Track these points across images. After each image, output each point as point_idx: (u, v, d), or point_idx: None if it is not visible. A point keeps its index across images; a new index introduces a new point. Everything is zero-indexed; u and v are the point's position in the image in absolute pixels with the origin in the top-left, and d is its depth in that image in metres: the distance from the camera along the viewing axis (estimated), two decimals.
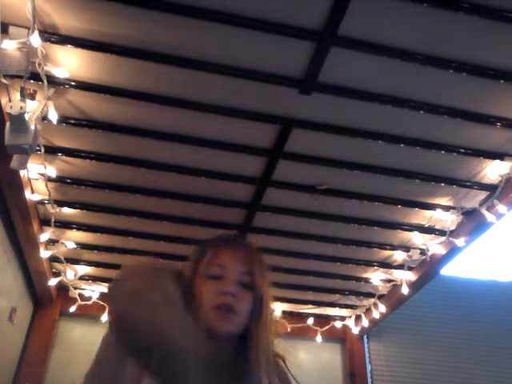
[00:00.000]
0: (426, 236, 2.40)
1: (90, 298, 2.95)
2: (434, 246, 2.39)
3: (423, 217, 2.31)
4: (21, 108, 1.42)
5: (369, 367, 3.32)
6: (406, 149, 1.92)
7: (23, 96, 1.47)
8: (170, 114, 1.79)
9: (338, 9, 1.40)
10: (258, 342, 1.06)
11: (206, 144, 1.91)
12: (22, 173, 1.90)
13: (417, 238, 2.41)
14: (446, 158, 1.96)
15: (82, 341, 3.03)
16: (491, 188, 2.06)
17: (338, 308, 3.16)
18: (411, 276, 2.61)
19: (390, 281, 2.75)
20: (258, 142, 1.92)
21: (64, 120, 1.78)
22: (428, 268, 2.51)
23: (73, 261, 2.68)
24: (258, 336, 1.06)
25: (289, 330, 3.16)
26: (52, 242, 2.45)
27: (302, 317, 3.19)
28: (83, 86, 1.66)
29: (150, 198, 2.19)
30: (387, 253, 2.57)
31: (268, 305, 1.12)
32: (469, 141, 1.90)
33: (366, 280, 2.79)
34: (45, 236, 2.33)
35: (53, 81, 1.61)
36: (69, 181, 2.10)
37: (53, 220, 2.27)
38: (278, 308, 3.11)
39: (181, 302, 0.91)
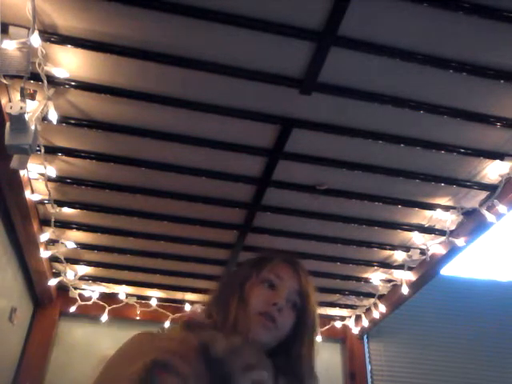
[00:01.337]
0: (426, 236, 2.40)
1: (90, 298, 2.95)
2: (434, 245, 2.39)
3: (423, 217, 2.31)
4: (21, 108, 1.42)
5: (369, 367, 3.32)
6: (406, 149, 1.92)
7: (23, 96, 1.47)
8: (170, 114, 1.79)
9: (338, 9, 1.40)
10: (302, 360, 1.11)
11: (206, 144, 1.91)
12: (22, 173, 1.90)
13: (417, 238, 2.41)
14: (446, 157, 1.96)
15: (82, 341, 3.03)
16: (491, 188, 2.06)
17: (338, 308, 3.16)
18: (411, 276, 2.61)
19: (390, 281, 2.75)
20: (258, 141, 1.92)
21: (64, 120, 1.78)
22: (428, 268, 2.51)
23: (73, 261, 2.68)
24: (301, 354, 1.11)
25: None
26: (52, 242, 2.45)
27: None
28: (83, 85, 1.66)
29: (149, 198, 2.19)
30: (387, 253, 2.57)
31: (311, 330, 1.17)
32: (469, 141, 1.90)
33: (366, 280, 2.79)
34: (45, 236, 2.33)
35: (53, 81, 1.61)
36: (69, 181, 2.10)
37: (53, 220, 2.27)
38: None
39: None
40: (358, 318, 3.19)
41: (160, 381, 0.70)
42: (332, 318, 3.25)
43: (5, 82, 1.51)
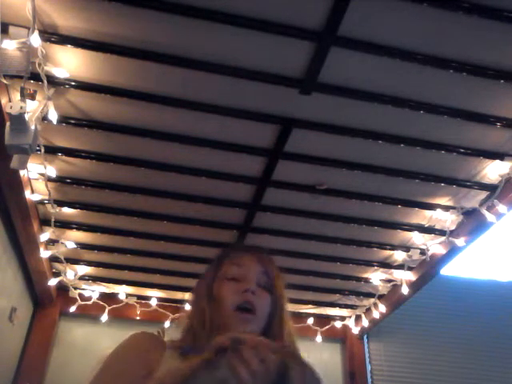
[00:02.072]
0: (426, 236, 2.40)
1: (90, 298, 2.95)
2: (434, 245, 2.39)
3: (423, 217, 2.31)
4: (21, 108, 1.42)
5: (369, 367, 3.32)
6: (406, 149, 1.92)
7: (23, 96, 1.47)
8: (170, 114, 1.79)
9: (338, 9, 1.40)
10: (278, 341, 1.07)
11: (206, 144, 1.91)
12: (22, 173, 1.90)
13: (417, 238, 2.41)
14: (446, 157, 1.96)
15: (82, 341, 3.03)
16: (491, 188, 2.06)
17: (338, 308, 3.16)
18: (411, 276, 2.61)
19: (390, 281, 2.75)
20: (258, 142, 1.92)
21: (64, 120, 1.78)
22: (428, 268, 2.51)
23: (73, 261, 2.68)
24: (277, 336, 1.09)
25: None
26: (52, 242, 2.45)
27: (302, 317, 3.19)
28: (83, 86, 1.66)
29: (149, 198, 2.19)
30: (387, 253, 2.57)
31: (284, 305, 1.16)
32: (469, 141, 1.90)
33: (366, 280, 2.79)
34: (45, 236, 2.33)
35: (53, 81, 1.61)
36: (69, 181, 2.10)
37: (53, 220, 2.27)
38: None
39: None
40: (358, 318, 3.19)
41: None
42: (332, 318, 3.26)
43: (5, 81, 1.51)
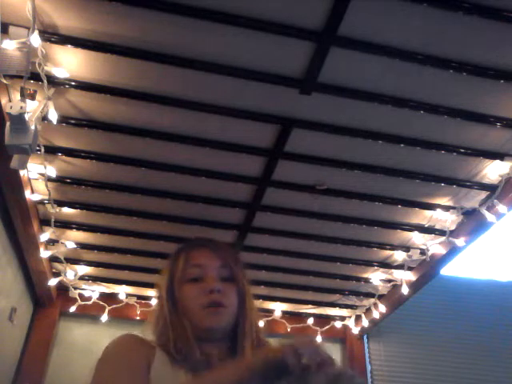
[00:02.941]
0: (426, 236, 2.40)
1: (90, 298, 2.95)
2: (434, 245, 2.39)
3: (423, 217, 2.31)
4: (21, 108, 1.42)
5: (369, 367, 3.32)
6: (406, 149, 1.92)
7: (23, 96, 1.47)
8: (170, 114, 1.79)
9: (338, 9, 1.40)
10: (244, 329, 1.08)
11: (206, 144, 1.91)
12: (22, 173, 1.90)
13: (417, 238, 2.41)
14: (446, 157, 1.96)
15: (82, 340, 3.03)
16: (491, 188, 2.06)
17: (338, 308, 3.16)
18: (411, 276, 2.61)
19: (390, 281, 2.75)
20: (258, 142, 1.92)
21: (64, 120, 1.78)
22: (428, 268, 2.51)
23: (73, 261, 2.68)
24: (244, 324, 1.09)
25: (289, 330, 3.17)
26: (52, 242, 2.45)
27: (302, 317, 3.19)
28: (83, 85, 1.66)
29: (149, 198, 2.19)
30: (387, 253, 2.57)
31: (249, 293, 1.15)
32: (469, 141, 1.90)
33: (366, 280, 2.79)
34: (45, 236, 2.33)
35: (53, 81, 1.61)
36: (69, 181, 2.10)
37: (53, 220, 2.27)
38: (278, 308, 3.12)
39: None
40: (358, 318, 3.19)
41: None
42: (332, 318, 3.25)
43: (5, 81, 1.51)
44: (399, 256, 2.55)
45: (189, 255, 1.17)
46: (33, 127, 1.50)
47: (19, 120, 1.44)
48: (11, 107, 1.42)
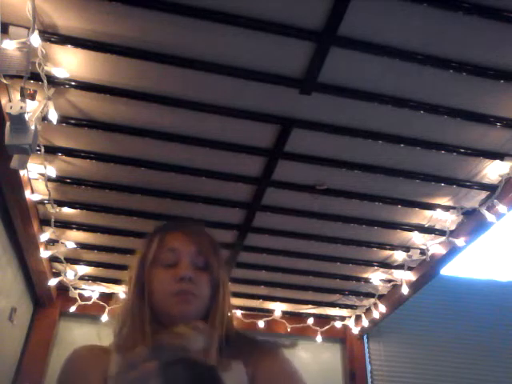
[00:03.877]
0: (426, 236, 2.40)
1: (90, 298, 2.95)
2: (434, 245, 2.39)
3: (423, 217, 2.31)
4: (21, 108, 1.42)
5: (369, 367, 3.32)
6: (406, 149, 1.92)
7: (23, 96, 1.47)
8: (170, 114, 1.79)
9: (338, 9, 1.40)
10: (214, 321, 1.02)
11: (206, 144, 1.91)
12: (22, 173, 1.90)
13: (417, 238, 2.41)
14: (445, 157, 1.96)
15: (82, 341, 2.98)
16: (491, 188, 2.06)
17: (338, 308, 3.16)
18: (411, 276, 2.61)
19: (390, 281, 2.75)
20: (258, 142, 1.92)
21: (64, 120, 1.78)
22: (428, 268, 2.51)
23: (73, 261, 2.68)
24: (214, 315, 1.03)
25: (289, 329, 3.17)
26: (52, 242, 2.45)
27: (302, 317, 3.19)
28: (83, 85, 1.66)
29: (149, 198, 2.19)
30: (387, 253, 2.57)
31: (224, 284, 1.09)
32: (469, 141, 1.90)
33: (366, 280, 2.79)
34: (45, 236, 2.33)
35: (53, 81, 1.61)
36: (69, 181, 2.10)
37: (53, 220, 2.27)
38: (277, 308, 3.12)
39: None
40: (358, 318, 3.19)
41: None
42: (332, 318, 3.26)
43: (5, 81, 1.51)
44: (399, 256, 2.55)
45: (164, 238, 1.10)
46: (33, 127, 1.50)
47: (19, 120, 1.44)
48: (11, 107, 1.42)
